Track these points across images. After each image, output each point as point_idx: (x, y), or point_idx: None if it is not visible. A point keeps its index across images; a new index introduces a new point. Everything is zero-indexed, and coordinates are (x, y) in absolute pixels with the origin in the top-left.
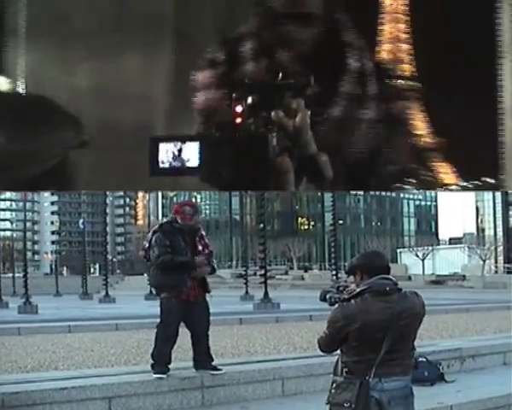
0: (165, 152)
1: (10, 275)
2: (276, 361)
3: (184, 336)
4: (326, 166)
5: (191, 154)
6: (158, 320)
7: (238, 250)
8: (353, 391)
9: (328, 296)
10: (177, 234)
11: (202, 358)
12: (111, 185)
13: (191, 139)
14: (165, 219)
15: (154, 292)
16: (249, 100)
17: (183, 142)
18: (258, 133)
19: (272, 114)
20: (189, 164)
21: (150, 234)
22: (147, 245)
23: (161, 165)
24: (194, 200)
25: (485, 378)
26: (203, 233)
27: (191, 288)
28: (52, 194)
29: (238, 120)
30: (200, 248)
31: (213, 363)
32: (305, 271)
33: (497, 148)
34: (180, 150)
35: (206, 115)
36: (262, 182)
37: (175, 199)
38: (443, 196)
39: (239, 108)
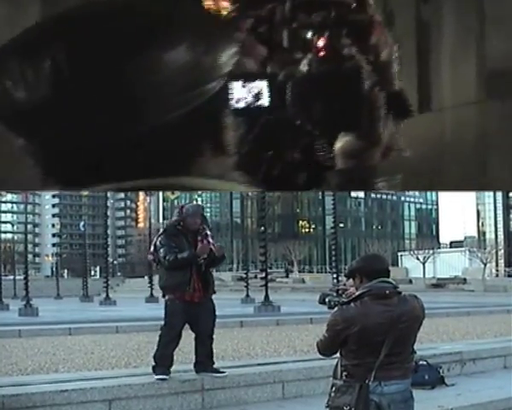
0: (238, 91)
1: (11, 277)
2: (277, 364)
3: (185, 338)
4: (410, 100)
5: (263, 93)
6: (159, 323)
7: (239, 253)
8: (353, 395)
9: (327, 299)
10: (181, 235)
11: (204, 360)
12: None
13: (262, 78)
14: (172, 219)
15: (162, 294)
16: (327, 34)
17: (254, 80)
18: (347, 67)
19: (359, 47)
20: (263, 103)
21: (156, 237)
22: (152, 249)
23: (235, 105)
24: (195, 202)
25: (486, 382)
26: (207, 232)
27: (196, 289)
28: (53, 196)
29: (321, 54)
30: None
31: (214, 366)
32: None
33: None
34: (253, 90)
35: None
36: (354, 116)
37: (176, 202)
38: (444, 200)
39: (321, 42)
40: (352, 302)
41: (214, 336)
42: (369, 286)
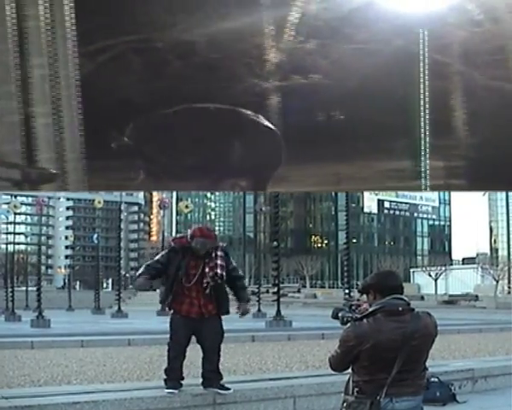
0: None
1: (23, 288)
2: (288, 379)
3: (196, 352)
4: None
5: None
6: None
7: (251, 268)
8: None
9: (340, 315)
10: (182, 254)
11: (210, 376)
12: None
13: None
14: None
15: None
16: None
17: None
18: None
19: None
20: None
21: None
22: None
23: None
24: (208, 217)
25: (497, 399)
26: (218, 253)
27: (194, 305)
28: (67, 208)
29: None
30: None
31: (222, 382)
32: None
33: None
34: None
35: None
36: None
37: (189, 216)
38: (456, 216)
39: None
40: (365, 319)
41: (222, 352)
42: (382, 303)
